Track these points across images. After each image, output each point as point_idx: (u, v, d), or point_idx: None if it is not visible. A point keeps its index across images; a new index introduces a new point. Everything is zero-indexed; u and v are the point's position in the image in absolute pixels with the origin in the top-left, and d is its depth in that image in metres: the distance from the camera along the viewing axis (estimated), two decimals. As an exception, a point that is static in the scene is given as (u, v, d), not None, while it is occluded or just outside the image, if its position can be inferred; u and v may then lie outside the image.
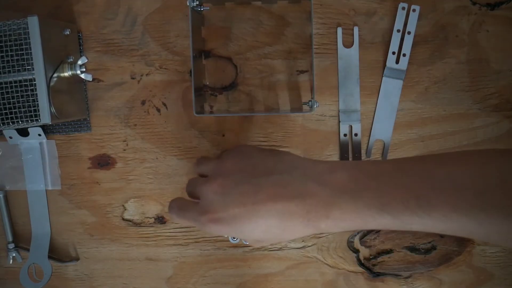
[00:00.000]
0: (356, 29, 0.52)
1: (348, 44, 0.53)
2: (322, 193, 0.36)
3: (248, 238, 0.39)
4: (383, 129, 0.53)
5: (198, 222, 0.40)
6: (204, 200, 0.40)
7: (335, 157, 0.54)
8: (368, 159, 0.54)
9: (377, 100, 0.53)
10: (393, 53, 0.52)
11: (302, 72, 0.54)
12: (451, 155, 0.37)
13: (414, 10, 0.51)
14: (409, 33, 0.52)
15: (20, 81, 0.47)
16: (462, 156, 0.36)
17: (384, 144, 0.54)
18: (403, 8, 0.51)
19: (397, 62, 0.52)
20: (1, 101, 0.47)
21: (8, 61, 0.46)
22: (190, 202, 0.42)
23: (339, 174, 0.37)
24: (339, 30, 0.52)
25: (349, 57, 0.53)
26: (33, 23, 0.45)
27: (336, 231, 0.36)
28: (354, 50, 0.53)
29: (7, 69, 0.46)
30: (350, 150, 0.54)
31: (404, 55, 0.52)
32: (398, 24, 0.52)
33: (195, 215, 0.40)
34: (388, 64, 0.52)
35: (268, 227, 0.37)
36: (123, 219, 0.57)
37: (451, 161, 0.35)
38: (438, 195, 0.32)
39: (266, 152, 0.43)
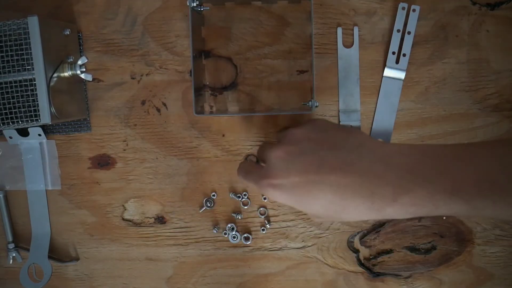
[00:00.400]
0: (356, 29, 0.52)
1: (348, 44, 0.53)
2: (390, 175, 0.34)
3: (306, 210, 0.38)
4: (383, 129, 0.53)
5: (258, 185, 0.39)
6: (268, 164, 0.39)
7: (335, 157, 0.54)
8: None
9: (377, 100, 0.53)
10: (393, 53, 0.52)
11: (302, 72, 0.54)
12: None
13: (414, 10, 0.51)
14: (409, 33, 0.52)
15: (20, 81, 0.47)
16: None
17: (384, 144, 0.54)
18: (403, 8, 0.51)
19: (397, 62, 0.52)
20: (1, 101, 0.47)
21: (8, 61, 0.46)
22: (255, 165, 0.43)
23: (408, 157, 0.35)
24: (339, 30, 0.52)
25: (349, 57, 0.53)
26: (33, 23, 0.45)
27: (403, 217, 0.35)
28: (354, 50, 0.53)
29: (7, 69, 0.46)
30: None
31: (404, 55, 0.52)
32: (398, 24, 0.52)
33: (257, 178, 0.40)
34: (388, 64, 0.52)
35: (328, 203, 0.36)
36: (123, 219, 0.57)
37: None
38: None
39: (340, 128, 0.42)
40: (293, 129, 0.41)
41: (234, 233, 0.55)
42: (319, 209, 0.37)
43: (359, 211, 0.35)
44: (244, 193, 0.55)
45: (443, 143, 0.53)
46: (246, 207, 0.55)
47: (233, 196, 0.55)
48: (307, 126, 0.41)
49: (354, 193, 0.35)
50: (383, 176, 0.34)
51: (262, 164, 0.42)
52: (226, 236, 0.55)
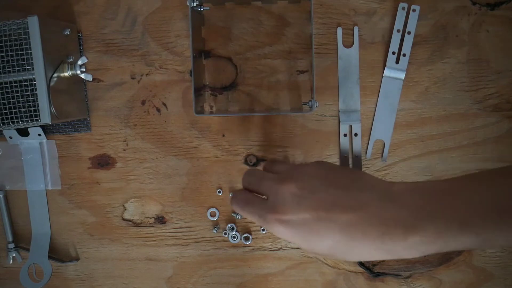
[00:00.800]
0: (356, 29, 0.52)
1: (348, 44, 0.53)
2: (401, 215, 0.34)
3: (311, 249, 0.37)
4: (383, 129, 0.53)
5: (263, 220, 0.38)
6: (276, 198, 0.38)
7: (335, 157, 0.54)
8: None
9: (377, 100, 0.53)
10: (393, 53, 0.52)
11: (302, 72, 0.54)
12: None
13: (414, 10, 0.51)
14: (409, 33, 0.52)
15: (20, 81, 0.47)
16: None
17: (384, 144, 0.54)
18: (403, 8, 0.51)
19: (397, 62, 0.52)
20: (1, 101, 0.47)
21: (8, 61, 0.46)
22: (257, 197, 0.41)
23: (415, 195, 0.35)
24: (339, 30, 0.52)
25: (349, 57, 0.53)
26: (33, 23, 0.45)
27: (414, 256, 0.34)
28: (354, 50, 0.53)
29: (7, 69, 0.46)
30: (350, 150, 0.54)
31: (404, 55, 0.52)
32: (398, 24, 0.52)
33: (262, 212, 0.38)
34: (388, 64, 0.52)
35: (335, 243, 0.35)
36: (123, 219, 0.57)
37: None
38: None
39: (346, 168, 0.43)
40: (302, 166, 0.41)
41: (234, 233, 0.55)
42: (324, 249, 0.36)
43: (368, 251, 0.35)
44: None
45: (441, 142, 0.53)
46: None
47: None
48: (314, 164, 0.41)
49: (364, 234, 0.34)
50: (394, 217, 0.34)
51: (261, 196, 0.41)
52: (226, 236, 0.55)
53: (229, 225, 0.55)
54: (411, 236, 0.33)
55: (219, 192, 0.55)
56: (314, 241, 0.36)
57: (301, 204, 0.36)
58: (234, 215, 0.55)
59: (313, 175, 0.39)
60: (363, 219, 0.35)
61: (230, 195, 0.43)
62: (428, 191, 0.35)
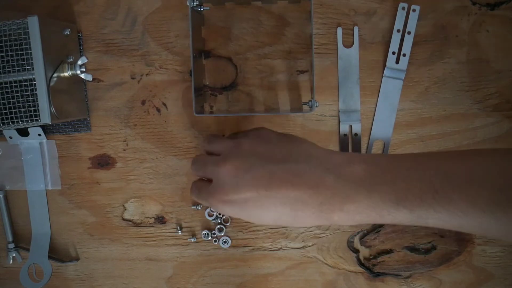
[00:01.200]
0: (356, 29, 0.52)
1: (348, 44, 0.53)
2: (338, 185, 0.35)
3: (257, 222, 0.39)
4: (383, 129, 0.53)
5: (209, 202, 0.40)
6: (217, 180, 0.40)
7: (335, 157, 0.54)
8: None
9: (377, 100, 0.53)
10: (393, 53, 0.52)
11: (302, 72, 0.54)
12: (469, 152, 0.37)
13: (414, 10, 0.51)
14: (409, 33, 0.52)
15: (20, 81, 0.47)
16: (481, 153, 0.36)
17: (384, 144, 0.54)
18: (403, 8, 0.51)
19: (397, 62, 0.52)
20: (1, 101, 0.47)
21: (8, 61, 0.46)
22: (204, 183, 0.43)
23: (355, 166, 0.36)
24: (339, 30, 0.52)
25: (349, 57, 0.53)
26: (33, 23, 0.45)
27: (350, 224, 0.37)
28: (354, 50, 0.53)
29: (7, 69, 0.46)
30: (350, 150, 0.54)
31: (404, 55, 0.52)
32: (398, 24, 0.52)
33: (207, 196, 0.40)
34: (388, 64, 0.52)
35: (279, 215, 0.37)
36: (123, 219, 0.57)
37: (470, 158, 0.35)
38: (456, 190, 0.32)
39: (284, 138, 0.42)
40: (238, 143, 0.41)
41: (224, 238, 0.55)
42: (270, 221, 0.38)
43: (309, 219, 0.37)
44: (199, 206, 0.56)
45: (441, 142, 0.53)
46: (211, 218, 0.55)
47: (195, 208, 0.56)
48: (251, 138, 0.42)
49: (304, 204, 0.36)
50: (331, 186, 0.36)
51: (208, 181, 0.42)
52: (216, 243, 0.56)
53: (205, 232, 0.55)
54: (346, 206, 0.35)
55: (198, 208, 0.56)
56: (259, 215, 0.38)
57: (240, 184, 0.38)
58: (194, 207, 0.55)
59: (250, 152, 0.40)
60: (302, 191, 0.36)
61: (192, 185, 0.46)
62: (373, 164, 0.36)
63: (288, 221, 0.37)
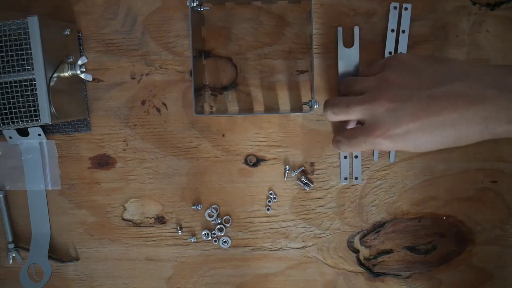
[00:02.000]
0: (356, 29, 0.52)
1: (348, 44, 0.53)
2: (502, 97, 0.35)
3: (422, 150, 0.38)
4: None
5: (368, 142, 0.39)
6: (373, 118, 0.39)
7: (335, 157, 0.54)
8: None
9: (377, 100, 0.53)
10: (390, 53, 0.52)
11: (302, 72, 0.54)
12: None
13: (406, 9, 0.51)
14: (403, 31, 0.51)
15: (20, 81, 0.47)
16: None
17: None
18: (395, 8, 0.51)
19: (397, 62, 0.52)
20: (1, 101, 0.47)
21: (8, 61, 0.46)
22: (355, 128, 0.42)
23: None
24: (340, 30, 0.52)
25: (349, 57, 0.53)
26: (33, 23, 0.45)
27: None
28: (355, 50, 0.53)
29: (7, 69, 0.46)
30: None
31: (403, 54, 0.52)
32: (392, 24, 0.52)
33: (364, 137, 0.40)
34: (388, 64, 0.52)
35: (444, 138, 0.37)
36: (123, 219, 0.57)
37: None
38: None
39: (429, 60, 0.41)
40: (383, 77, 0.40)
41: (224, 238, 0.55)
42: (433, 145, 0.38)
43: (474, 137, 0.36)
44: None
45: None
46: (211, 219, 0.55)
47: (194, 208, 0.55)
48: (395, 69, 0.41)
49: (468, 122, 0.36)
50: (495, 99, 0.35)
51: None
52: (216, 243, 0.56)
53: (205, 232, 0.55)
54: None
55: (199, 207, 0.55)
56: (423, 143, 0.38)
57: (399, 117, 0.37)
58: (193, 207, 0.55)
59: (399, 83, 0.39)
60: (463, 109, 0.35)
61: (335, 139, 0.44)
62: None
63: (451, 142, 0.37)
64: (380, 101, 0.39)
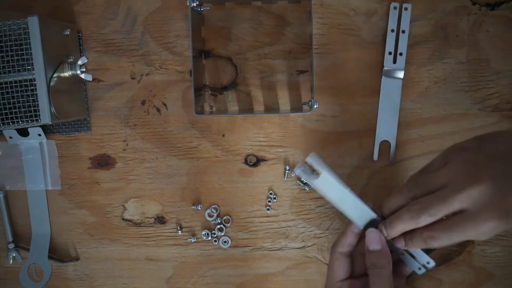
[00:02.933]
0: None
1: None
2: None
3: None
4: (387, 129, 0.53)
5: (476, 229, 0.36)
6: (474, 204, 0.36)
7: (335, 157, 0.54)
8: None
9: (379, 101, 0.53)
10: (390, 53, 0.52)
11: (302, 72, 0.54)
12: None
13: (406, 9, 0.51)
14: (403, 32, 0.51)
15: (20, 81, 0.47)
16: None
17: (390, 144, 0.54)
18: (395, 8, 0.51)
19: (394, 62, 0.52)
20: (1, 101, 0.47)
21: (8, 61, 0.46)
22: (452, 218, 0.38)
23: None
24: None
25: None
26: (33, 23, 0.45)
27: None
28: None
29: (7, 69, 0.46)
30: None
31: (400, 54, 0.52)
32: (392, 24, 0.52)
33: (469, 226, 0.36)
34: (385, 64, 0.52)
35: None
36: (123, 219, 0.57)
37: None
38: None
39: (498, 138, 0.39)
40: (460, 159, 0.38)
41: (224, 238, 0.55)
42: None
43: None
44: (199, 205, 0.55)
45: (441, 142, 0.53)
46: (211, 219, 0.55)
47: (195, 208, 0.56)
48: (462, 153, 0.39)
49: None
50: None
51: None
52: (216, 243, 0.56)
53: (205, 232, 0.55)
54: None
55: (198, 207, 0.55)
56: None
57: (502, 191, 0.35)
58: (194, 207, 0.55)
59: (478, 161, 0.37)
60: None
61: (425, 235, 0.40)
62: None
63: None
64: (474, 186, 0.36)
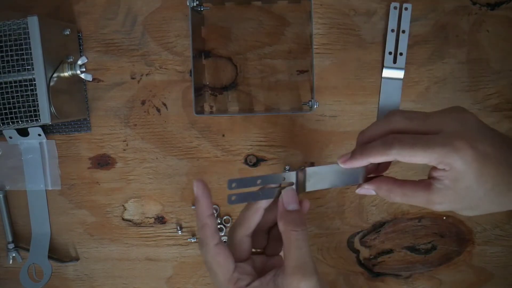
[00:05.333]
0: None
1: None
2: None
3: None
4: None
5: (447, 147, 0.32)
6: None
7: (335, 157, 0.54)
8: None
9: (379, 101, 0.53)
10: (390, 53, 0.52)
11: (302, 72, 0.54)
12: None
13: (406, 9, 0.51)
14: (403, 31, 0.51)
15: (20, 81, 0.47)
16: None
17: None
18: (395, 8, 0.51)
19: (394, 62, 0.52)
20: (1, 101, 0.47)
21: (8, 61, 0.46)
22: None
23: None
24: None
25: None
26: (33, 23, 0.45)
27: None
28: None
29: (7, 69, 0.46)
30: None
31: (401, 54, 0.52)
32: (392, 24, 0.52)
33: (443, 140, 0.32)
34: (386, 64, 0.52)
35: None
36: (123, 219, 0.57)
37: None
38: None
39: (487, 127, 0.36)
40: (463, 116, 0.34)
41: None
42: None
43: None
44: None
45: None
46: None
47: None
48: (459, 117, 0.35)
49: None
50: None
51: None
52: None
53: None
54: None
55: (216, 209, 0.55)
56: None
57: (486, 135, 0.33)
58: (194, 207, 0.55)
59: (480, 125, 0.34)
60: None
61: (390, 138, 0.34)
62: None
63: None
64: (476, 149, 0.32)
